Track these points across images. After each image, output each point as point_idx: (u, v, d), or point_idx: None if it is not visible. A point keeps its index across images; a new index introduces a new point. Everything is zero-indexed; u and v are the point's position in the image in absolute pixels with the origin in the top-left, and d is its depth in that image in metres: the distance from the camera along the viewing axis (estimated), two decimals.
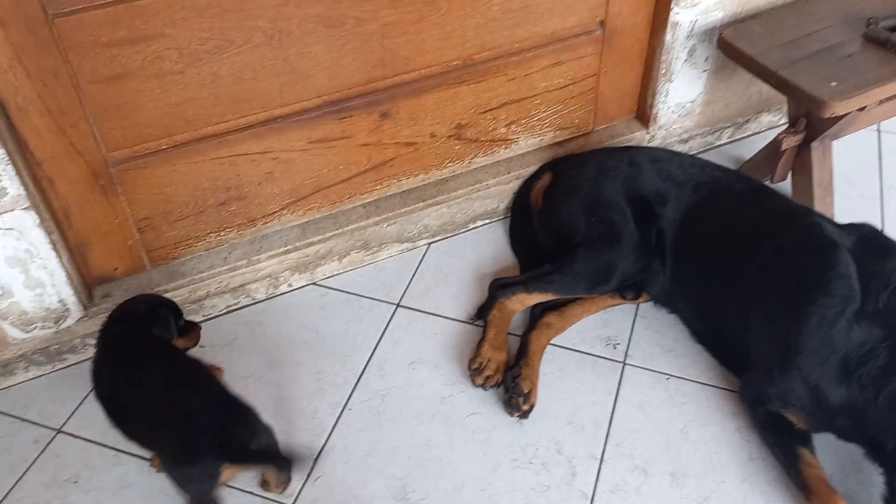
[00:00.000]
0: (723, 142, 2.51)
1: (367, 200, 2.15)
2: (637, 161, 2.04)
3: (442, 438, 1.78)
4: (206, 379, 1.57)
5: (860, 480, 1.66)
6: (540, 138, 2.28)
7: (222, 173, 1.90)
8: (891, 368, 1.48)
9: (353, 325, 2.03)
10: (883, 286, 1.57)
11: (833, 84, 1.84)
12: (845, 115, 1.94)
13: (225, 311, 2.06)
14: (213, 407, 1.49)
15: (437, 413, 1.82)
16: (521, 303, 1.98)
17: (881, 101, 2.06)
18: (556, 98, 2.20)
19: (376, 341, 1.98)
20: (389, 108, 1.99)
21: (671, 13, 2.09)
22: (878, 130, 2.52)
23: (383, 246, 2.17)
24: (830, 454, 1.68)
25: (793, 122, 2.14)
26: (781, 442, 1.68)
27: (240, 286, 2.04)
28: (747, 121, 2.50)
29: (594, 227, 1.97)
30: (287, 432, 1.76)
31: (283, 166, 1.96)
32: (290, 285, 2.11)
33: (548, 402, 1.84)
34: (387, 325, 2.02)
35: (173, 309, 1.73)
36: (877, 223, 2.22)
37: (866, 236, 1.71)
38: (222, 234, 2.01)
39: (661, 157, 2.06)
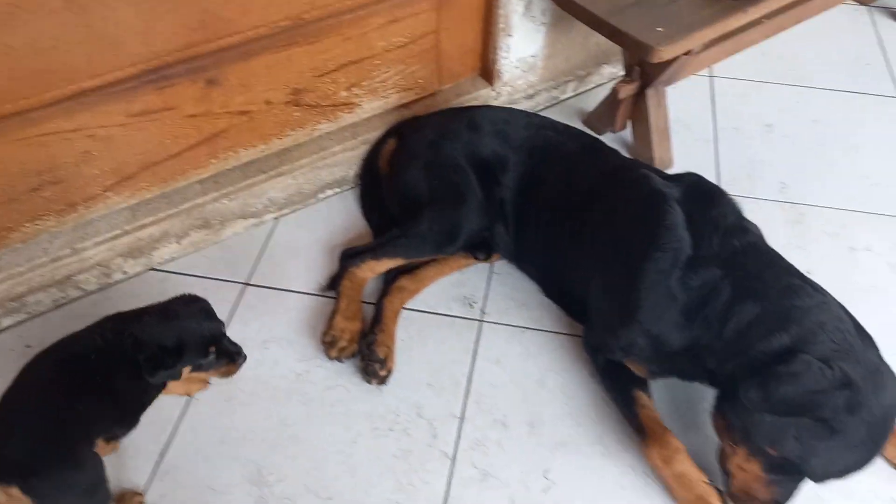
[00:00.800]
0: (567, 95, 2.54)
1: (204, 176, 2.02)
2: (476, 124, 2.02)
3: (299, 416, 1.71)
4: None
5: (695, 416, 1.73)
6: (384, 101, 2.21)
7: (31, 155, 1.72)
8: (734, 302, 1.53)
9: None
10: (713, 230, 1.63)
11: (659, 29, 1.88)
12: (674, 59, 2.00)
13: (53, 306, 1.89)
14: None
15: (293, 391, 1.75)
16: (371, 270, 1.93)
17: (707, 45, 2.14)
18: (397, 57, 2.14)
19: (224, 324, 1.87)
20: (216, 75, 1.87)
21: None
22: (710, 76, 2.63)
23: (226, 223, 2.05)
24: (667, 391, 1.75)
25: (628, 71, 2.20)
26: (619, 387, 1.72)
27: (66, 278, 1.87)
28: (589, 73, 2.54)
29: (438, 190, 1.95)
30: None
31: (102, 144, 1.80)
32: (125, 272, 1.96)
33: (406, 367, 1.81)
34: (235, 306, 1.92)
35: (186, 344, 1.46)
36: (711, 164, 2.32)
37: (692, 185, 1.76)
38: (39, 222, 1.83)
39: (500, 119, 2.04)
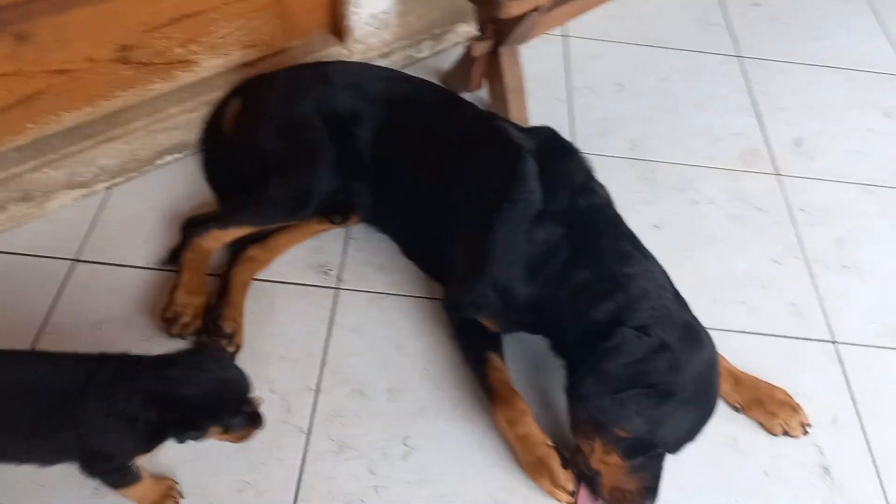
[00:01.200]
0: (424, 55, 2.47)
1: (21, 143, 1.82)
2: (329, 78, 1.92)
3: None
4: None
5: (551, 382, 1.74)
6: (226, 58, 2.07)
7: None
8: (570, 264, 1.54)
9: (20, 290, 1.73)
10: (563, 187, 1.63)
11: None
12: (525, 16, 1.98)
13: None
14: None
15: None
16: (216, 240, 1.80)
17: (558, 3, 2.14)
18: (238, 11, 1.99)
19: (49, 305, 1.70)
20: (25, 29, 1.66)
21: None
22: (564, 35, 2.65)
23: (50, 194, 1.86)
24: (523, 355, 1.76)
25: (481, 29, 2.15)
26: (473, 347, 1.71)
27: None
28: (445, 32, 2.48)
29: (288, 150, 1.84)
30: None
31: None
32: None
33: (258, 341, 1.71)
34: (63, 285, 1.75)
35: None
36: (566, 123, 2.34)
37: (547, 139, 1.76)
38: None
39: (353, 72, 1.96)
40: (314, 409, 1.62)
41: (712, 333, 1.77)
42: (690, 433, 1.44)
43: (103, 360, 1.31)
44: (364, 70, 1.99)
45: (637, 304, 1.45)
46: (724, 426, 1.68)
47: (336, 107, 1.87)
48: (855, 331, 1.90)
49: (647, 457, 1.43)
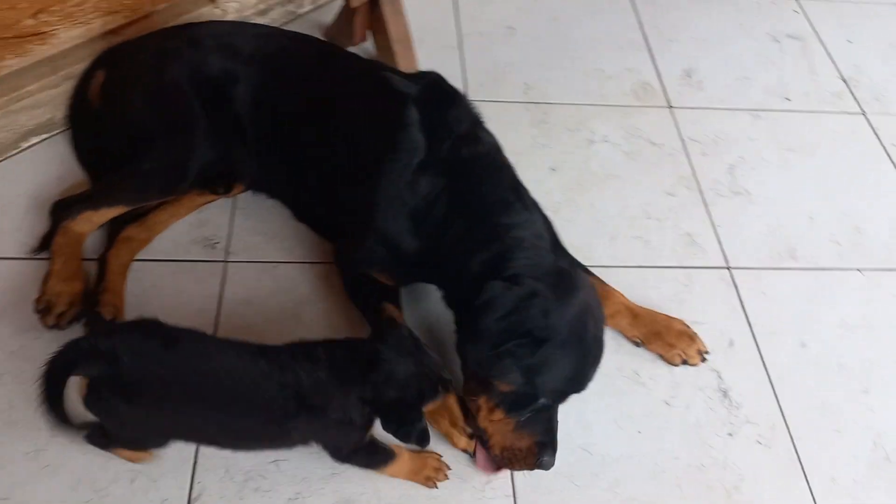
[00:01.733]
0: (306, 9, 2.37)
1: None
2: (198, 40, 1.81)
3: (19, 399, 1.49)
4: None
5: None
6: (86, 28, 1.91)
7: None
8: (451, 214, 1.51)
9: None
10: (446, 135, 1.58)
11: None
12: None
13: None
14: None
15: (5, 371, 1.53)
16: (89, 222, 1.70)
17: None
18: None
19: None
20: None
21: None
22: None
23: None
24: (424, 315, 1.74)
25: None
26: (368, 301, 1.67)
27: None
28: None
29: (158, 121, 1.73)
30: None
31: None
32: None
33: None
34: None
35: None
36: (458, 71, 2.29)
37: (431, 84, 1.70)
38: None
39: (225, 32, 1.85)
40: None
41: (610, 270, 1.81)
42: (574, 380, 1.43)
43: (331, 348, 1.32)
44: (236, 28, 1.89)
45: (511, 254, 1.43)
46: (626, 361, 1.71)
47: (208, 70, 1.77)
48: (748, 255, 1.94)
49: (534, 410, 1.41)
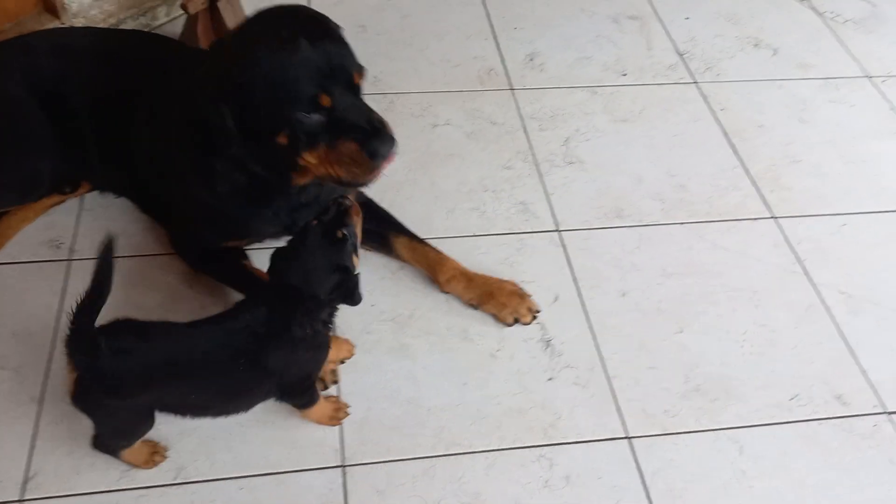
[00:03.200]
0: (161, 21, 2.46)
1: None
2: (30, 47, 1.88)
3: None
4: None
5: None
6: None
7: None
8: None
9: None
10: None
11: None
12: None
13: None
14: None
15: None
16: None
17: None
18: None
19: None
20: None
21: None
22: None
23: None
24: None
25: None
26: (222, 267, 1.79)
27: None
28: None
29: (4, 133, 1.80)
30: None
31: None
32: None
33: None
34: None
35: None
36: None
37: None
38: None
39: (56, 35, 1.94)
40: (46, 378, 1.63)
41: (446, 241, 1.95)
42: (315, 68, 1.43)
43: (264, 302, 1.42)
44: (69, 31, 1.98)
45: None
46: (455, 321, 1.81)
47: (45, 76, 1.84)
48: (577, 218, 2.06)
49: (328, 122, 1.46)
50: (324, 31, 1.50)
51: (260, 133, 1.49)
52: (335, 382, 1.66)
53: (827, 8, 2.83)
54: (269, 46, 1.44)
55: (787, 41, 2.68)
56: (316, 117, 1.45)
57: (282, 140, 1.48)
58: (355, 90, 1.50)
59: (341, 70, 1.47)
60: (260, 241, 1.81)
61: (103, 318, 1.71)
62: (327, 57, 1.45)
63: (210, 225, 1.77)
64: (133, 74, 1.84)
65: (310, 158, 1.50)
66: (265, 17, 1.52)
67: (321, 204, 1.70)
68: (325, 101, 1.44)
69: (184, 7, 2.15)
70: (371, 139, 1.46)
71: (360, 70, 1.50)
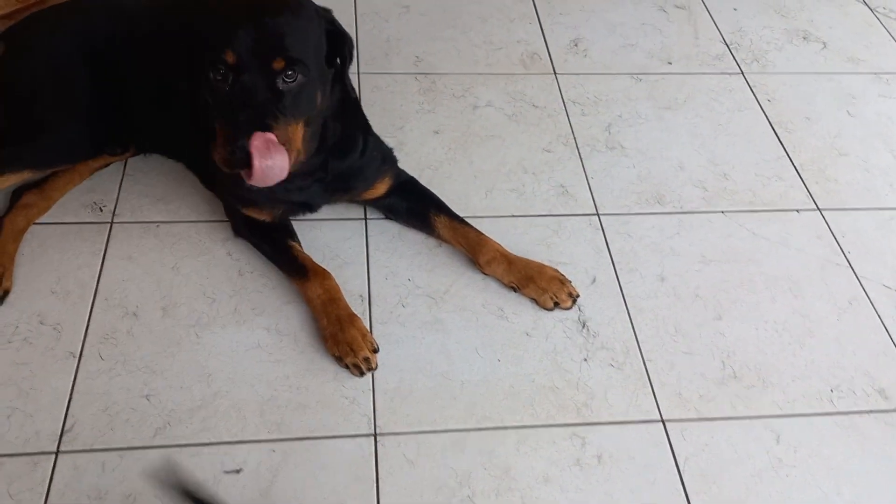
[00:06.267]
0: None
1: None
2: (85, 8, 1.92)
3: None
4: None
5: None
6: None
7: None
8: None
9: None
10: None
11: None
12: None
13: None
14: None
15: None
16: None
17: None
18: None
19: None
20: None
21: None
22: None
23: None
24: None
25: None
26: (271, 239, 1.80)
27: None
28: None
29: (59, 89, 1.82)
30: None
31: None
32: None
33: (27, 281, 1.73)
34: None
35: None
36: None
37: None
38: None
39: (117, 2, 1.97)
40: (85, 335, 1.65)
41: (484, 220, 1.95)
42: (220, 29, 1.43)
43: None
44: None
45: None
46: (493, 299, 1.80)
47: (96, 36, 1.86)
48: (617, 202, 2.04)
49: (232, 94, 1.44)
50: (280, 8, 1.47)
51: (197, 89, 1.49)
52: (371, 370, 1.65)
53: (878, 3, 2.77)
54: (223, 8, 1.45)
55: (837, 34, 2.63)
56: (220, 79, 1.43)
57: (205, 96, 1.48)
58: (271, 74, 1.43)
59: (263, 45, 1.42)
60: (278, 214, 1.80)
61: (140, 280, 1.76)
62: (262, 30, 1.42)
63: (224, 186, 1.79)
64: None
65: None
66: None
67: (331, 177, 1.73)
68: (230, 57, 1.40)
69: None
70: (232, 139, 1.40)
71: (286, 57, 1.43)
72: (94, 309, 1.69)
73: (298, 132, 1.51)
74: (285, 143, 1.45)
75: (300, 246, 1.81)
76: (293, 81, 1.46)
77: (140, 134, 1.93)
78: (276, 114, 1.44)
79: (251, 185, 1.48)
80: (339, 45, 1.57)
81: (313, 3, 1.57)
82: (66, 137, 1.82)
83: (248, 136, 1.39)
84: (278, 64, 1.43)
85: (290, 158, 1.46)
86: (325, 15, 1.56)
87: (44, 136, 1.80)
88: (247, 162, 1.40)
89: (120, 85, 1.85)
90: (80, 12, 1.90)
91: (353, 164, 1.78)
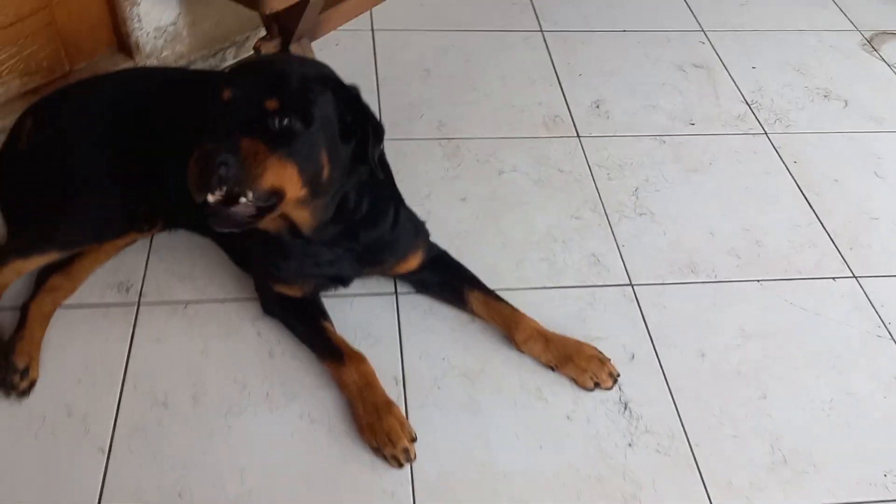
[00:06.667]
0: (229, 62, 2.47)
1: None
2: (122, 82, 1.92)
3: None
4: None
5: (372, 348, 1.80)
6: (4, 88, 2.01)
7: None
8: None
9: None
10: None
11: None
12: (302, 11, 2.01)
13: None
14: None
15: None
16: (16, 272, 1.74)
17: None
18: (6, 39, 1.95)
19: None
20: None
21: None
22: (372, 29, 2.69)
23: None
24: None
25: (267, 28, 2.17)
26: (304, 318, 1.76)
27: None
28: (248, 37, 2.49)
29: (92, 164, 1.79)
30: None
31: None
32: None
33: (53, 367, 1.67)
34: None
35: None
36: (374, 111, 2.37)
37: None
38: None
39: (145, 74, 1.98)
40: (114, 427, 1.59)
41: (517, 293, 1.91)
42: None
43: None
44: (154, 72, 1.99)
45: None
46: (530, 378, 1.75)
47: (127, 107, 1.84)
48: (650, 271, 2.00)
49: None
50: (293, 63, 1.49)
51: None
52: (410, 461, 1.59)
53: None
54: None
55: (858, 93, 2.63)
56: (217, 113, 1.39)
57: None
58: (262, 112, 1.38)
59: (261, 86, 1.39)
60: (309, 289, 1.76)
61: (168, 364, 1.71)
62: (265, 76, 1.43)
63: (255, 262, 1.75)
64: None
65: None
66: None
67: (362, 248, 1.68)
68: (226, 94, 1.38)
69: (256, 50, 2.15)
70: (206, 151, 1.34)
71: (280, 100, 1.38)
72: (122, 398, 1.64)
73: (291, 177, 1.42)
74: (274, 179, 1.38)
75: (332, 326, 1.77)
76: (286, 125, 1.39)
77: (169, 208, 1.89)
78: (261, 140, 1.37)
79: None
80: (361, 121, 1.53)
81: (335, 75, 1.54)
82: (98, 215, 1.78)
83: (231, 147, 1.33)
84: (271, 104, 1.38)
85: (280, 202, 1.42)
86: (350, 90, 1.53)
87: (74, 215, 1.75)
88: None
89: (150, 158, 1.81)
90: (110, 85, 1.89)
91: (384, 235, 1.74)
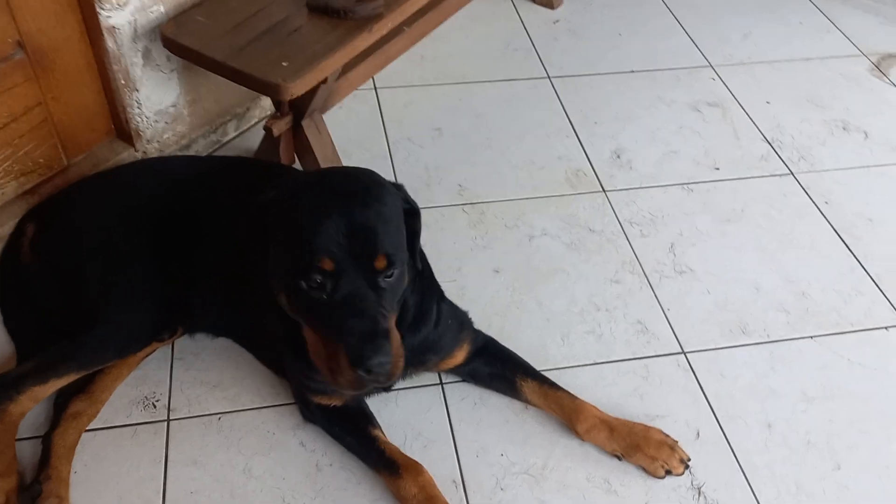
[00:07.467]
0: (230, 136, 2.35)
1: None
2: (129, 179, 1.80)
3: None
4: None
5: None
6: (0, 192, 1.87)
7: None
8: None
9: None
10: None
11: (284, 64, 1.76)
12: (316, 89, 1.90)
13: None
14: None
15: None
16: (34, 399, 1.59)
17: (349, 66, 2.07)
18: (2, 140, 1.81)
19: None
20: None
21: (101, 18, 1.81)
22: (375, 88, 2.59)
23: None
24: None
25: (276, 106, 2.06)
26: (349, 427, 1.64)
27: None
28: (248, 109, 2.37)
29: (108, 275, 1.66)
30: None
31: None
32: None
33: (86, 502, 1.54)
34: None
35: None
36: (390, 178, 2.26)
37: None
38: None
39: (155, 170, 1.85)
40: None
41: (566, 372, 1.82)
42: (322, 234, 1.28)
43: None
44: (166, 164, 1.87)
45: None
46: (596, 470, 1.65)
47: (147, 206, 1.73)
48: (700, 336, 1.92)
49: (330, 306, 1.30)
50: (367, 199, 1.34)
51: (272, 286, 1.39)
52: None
53: None
54: (304, 202, 1.33)
55: (877, 123, 2.58)
56: (315, 287, 1.29)
57: (281, 298, 1.37)
58: (373, 274, 1.31)
59: (360, 245, 1.29)
60: (349, 398, 1.63)
61: (210, 488, 1.55)
62: (355, 227, 1.29)
63: (292, 372, 1.64)
64: (230, 203, 1.70)
65: (307, 335, 1.38)
66: (325, 174, 1.50)
67: (406, 352, 1.48)
68: (328, 265, 1.27)
69: (267, 129, 2.03)
70: (359, 343, 1.27)
71: (386, 254, 1.30)
72: None
73: (393, 323, 1.37)
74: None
75: (382, 431, 1.64)
76: (392, 277, 1.33)
77: (193, 314, 1.76)
78: (385, 315, 1.32)
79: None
80: (412, 221, 1.45)
81: (390, 184, 1.44)
82: (124, 328, 1.64)
83: (387, 357, 1.28)
84: (380, 264, 1.30)
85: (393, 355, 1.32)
86: (401, 193, 1.44)
87: (96, 330, 1.61)
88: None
89: (180, 262, 1.70)
90: (126, 186, 1.77)
91: (428, 335, 1.63)
